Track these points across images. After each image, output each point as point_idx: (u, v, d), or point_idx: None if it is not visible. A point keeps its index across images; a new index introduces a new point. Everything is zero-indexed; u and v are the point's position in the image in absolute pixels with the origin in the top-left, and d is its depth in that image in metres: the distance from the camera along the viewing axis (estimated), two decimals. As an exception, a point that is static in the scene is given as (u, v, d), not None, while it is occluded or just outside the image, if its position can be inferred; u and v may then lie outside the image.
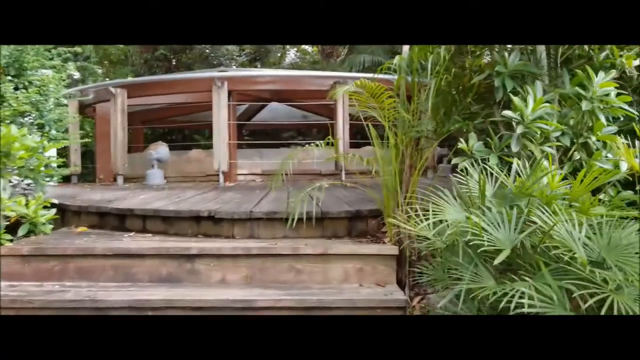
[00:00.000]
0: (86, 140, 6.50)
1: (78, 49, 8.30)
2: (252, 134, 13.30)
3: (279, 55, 18.23)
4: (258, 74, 6.19)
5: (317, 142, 3.82)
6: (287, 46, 19.61)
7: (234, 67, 11.90)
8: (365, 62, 11.61)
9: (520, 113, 2.68)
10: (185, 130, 12.59)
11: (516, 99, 2.69)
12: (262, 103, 9.50)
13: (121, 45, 13.89)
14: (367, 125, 3.63)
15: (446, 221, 2.34)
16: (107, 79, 10.46)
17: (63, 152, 7.68)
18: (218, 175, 6.02)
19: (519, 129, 2.64)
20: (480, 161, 2.74)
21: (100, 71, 10.24)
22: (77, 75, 9.52)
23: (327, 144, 3.86)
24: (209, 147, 12.35)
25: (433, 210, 2.43)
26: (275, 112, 10.74)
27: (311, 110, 10.28)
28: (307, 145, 4.10)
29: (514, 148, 2.66)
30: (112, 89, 6.30)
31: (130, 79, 6.42)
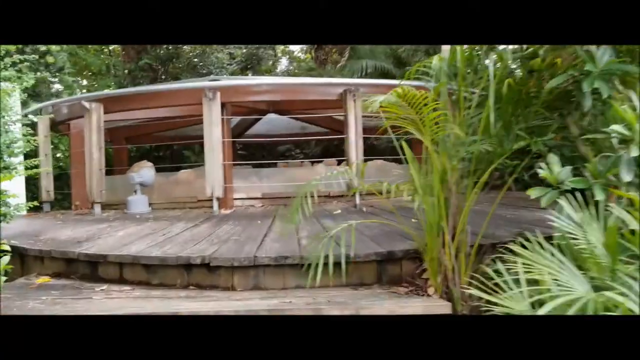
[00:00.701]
0: (47, 168, 5.73)
1: (50, 58, 7.59)
2: (246, 148, 12.56)
3: (270, 62, 17.55)
4: (254, 83, 5.45)
5: (333, 169, 3.03)
6: (279, 53, 18.97)
7: (225, 76, 11.15)
8: (367, 68, 10.94)
9: (628, 126, 1.97)
10: (174, 146, 11.84)
11: (624, 109, 1.98)
12: (257, 116, 8.80)
13: (102, 55, 13.16)
14: (399, 142, 2.93)
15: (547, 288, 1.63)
16: (83, 92, 9.68)
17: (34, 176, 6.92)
18: (211, 201, 5.28)
19: (634, 151, 1.92)
20: (573, 194, 2.03)
21: (75, 84, 9.43)
22: (59, 87, 8.78)
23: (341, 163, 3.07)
24: (200, 163, 11.71)
25: (526, 271, 1.71)
26: (271, 124, 10.02)
27: (310, 121, 9.58)
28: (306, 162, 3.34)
29: (627, 176, 1.95)
30: (86, 104, 5.56)
31: (107, 91, 5.69)
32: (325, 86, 5.60)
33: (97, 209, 5.66)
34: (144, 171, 6.02)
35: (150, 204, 6.04)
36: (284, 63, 19.10)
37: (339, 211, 5.12)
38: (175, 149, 12.07)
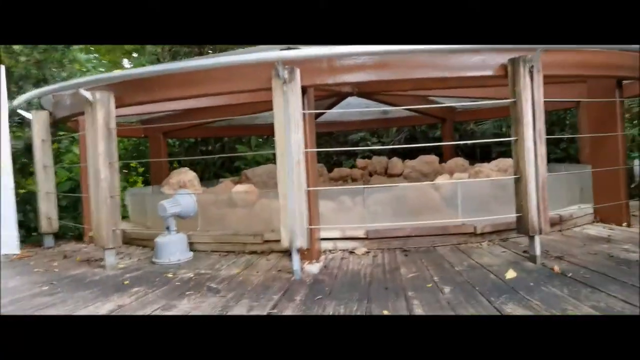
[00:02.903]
0: (47, 186, 3.79)
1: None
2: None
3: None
4: (358, 51, 3.21)
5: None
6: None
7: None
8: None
9: None
10: (224, 138, 9.91)
11: None
12: (334, 99, 6.63)
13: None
14: None
15: None
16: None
17: (28, 199, 5.06)
18: (289, 252, 3.20)
19: None
20: None
21: (91, 62, 7.50)
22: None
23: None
24: (258, 160, 9.67)
25: None
26: (344, 108, 7.79)
27: (395, 102, 7.34)
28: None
29: None
30: (86, 93, 3.56)
31: (118, 72, 3.66)
32: (474, 54, 3.32)
33: (110, 257, 3.69)
34: (182, 198, 4.00)
35: (189, 244, 4.04)
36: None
37: (513, 274, 2.93)
38: (226, 141, 10.15)
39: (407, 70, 3.35)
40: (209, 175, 10.18)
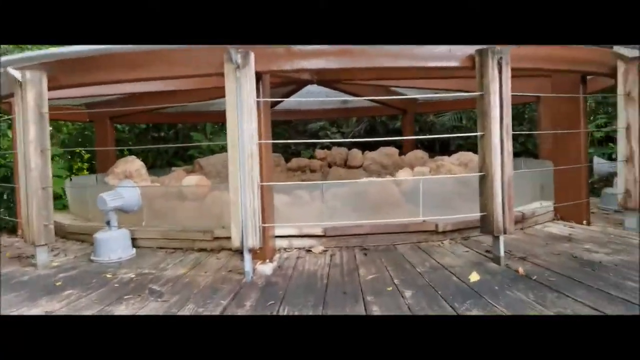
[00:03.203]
0: None
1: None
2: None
3: None
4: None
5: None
6: None
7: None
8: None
9: None
10: (178, 125, 9.51)
11: None
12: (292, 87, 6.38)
13: None
14: None
15: None
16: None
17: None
18: (240, 251, 2.96)
19: None
20: None
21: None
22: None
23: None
24: (213, 149, 9.30)
25: None
26: (302, 97, 7.54)
27: (356, 93, 7.16)
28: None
29: None
30: (15, 73, 3.20)
31: (54, 50, 3.28)
32: (438, 46, 3.12)
33: (41, 255, 3.36)
34: (126, 191, 3.68)
35: (133, 240, 3.74)
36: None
37: (477, 277, 2.78)
38: (180, 128, 9.74)
39: (370, 58, 3.13)
40: (161, 163, 9.77)
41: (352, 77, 4.69)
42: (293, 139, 11.01)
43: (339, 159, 7.60)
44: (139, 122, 8.48)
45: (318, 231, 3.60)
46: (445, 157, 6.60)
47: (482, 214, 3.12)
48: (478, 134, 3.11)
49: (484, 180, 3.09)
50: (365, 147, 8.29)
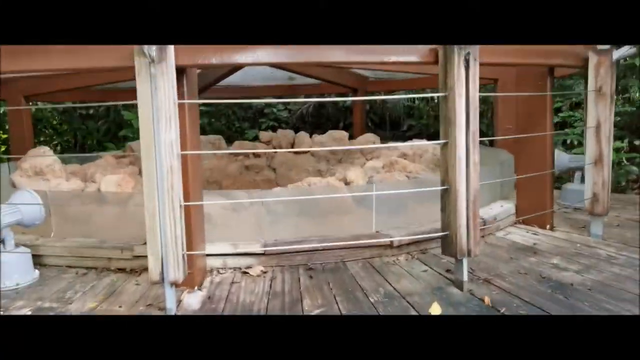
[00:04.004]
0: None
1: None
2: (212, 105, 9.44)
3: None
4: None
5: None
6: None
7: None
8: None
9: None
10: (108, 102, 8.68)
11: None
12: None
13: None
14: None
15: None
16: None
17: None
18: (160, 283, 2.46)
19: None
20: None
21: None
22: None
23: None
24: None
25: None
26: (246, 73, 6.96)
27: (304, 71, 6.66)
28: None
29: None
30: None
31: None
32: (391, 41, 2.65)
33: None
34: (24, 200, 3.07)
35: (38, 257, 3.17)
36: None
37: (438, 309, 2.42)
38: (111, 105, 8.93)
39: (320, 52, 2.64)
40: (91, 144, 8.99)
41: (298, 70, 4.18)
42: (237, 116, 10.39)
43: (285, 142, 7.09)
44: (62, 100, 7.65)
45: (257, 248, 3.13)
46: (398, 144, 6.25)
47: (443, 233, 2.74)
48: (440, 142, 2.70)
49: (447, 195, 2.70)
50: (313, 127, 7.84)
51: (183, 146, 2.48)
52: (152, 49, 2.28)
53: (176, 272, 2.43)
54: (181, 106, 2.49)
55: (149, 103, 2.33)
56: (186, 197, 2.54)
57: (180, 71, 2.50)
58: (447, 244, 2.74)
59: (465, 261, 2.73)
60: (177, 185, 2.40)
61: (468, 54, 2.59)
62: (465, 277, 2.73)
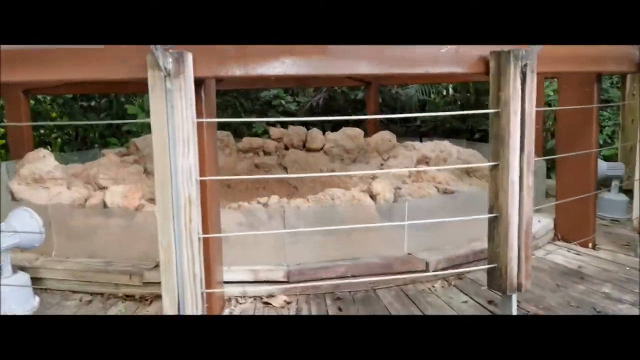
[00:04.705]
0: None
1: None
2: (218, 95, 9.14)
3: None
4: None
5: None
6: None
7: None
8: None
9: None
10: (111, 94, 8.38)
11: None
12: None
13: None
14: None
15: None
16: None
17: None
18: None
19: None
20: None
21: None
22: None
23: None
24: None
25: None
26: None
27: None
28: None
29: None
30: None
31: None
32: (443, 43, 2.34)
33: None
34: (21, 221, 2.79)
35: (38, 280, 2.90)
36: None
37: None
38: (114, 96, 8.63)
39: (352, 62, 2.34)
40: (93, 137, 8.69)
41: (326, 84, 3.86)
42: (244, 108, 10.08)
43: (297, 139, 6.78)
44: (62, 93, 7.35)
45: (279, 276, 2.86)
46: (417, 144, 5.95)
47: (491, 265, 2.46)
48: (490, 164, 2.41)
49: (496, 224, 2.42)
50: (324, 123, 7.52)
51: (201, 171, 2.19)
52: (168, 61, 1.99)
53: (194, 310, 2.16)
54: (199, 125, 2.20)
55: (164, 123, 2.03)
56: (204, 227, 2.26)
57: (198, 83, 2.20)
58: (495, 277, 2.46)
59: (514, 297, 2.45)
60: (196, 217, 2.12)
61: (525, 65, 2.29)
62: (514, 313, 2.46)
